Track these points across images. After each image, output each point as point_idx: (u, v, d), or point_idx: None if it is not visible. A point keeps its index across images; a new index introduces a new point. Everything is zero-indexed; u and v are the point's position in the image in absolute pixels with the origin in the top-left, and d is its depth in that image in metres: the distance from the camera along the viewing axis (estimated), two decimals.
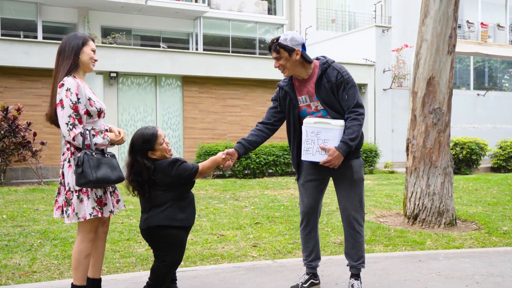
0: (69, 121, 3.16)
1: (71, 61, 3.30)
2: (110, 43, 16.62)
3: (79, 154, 3.15)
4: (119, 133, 3.42)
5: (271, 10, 21.58)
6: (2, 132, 10.87)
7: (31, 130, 11.30)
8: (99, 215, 3.24)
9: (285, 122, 3.83)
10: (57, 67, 3.34)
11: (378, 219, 7.10)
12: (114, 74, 13.19)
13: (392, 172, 14.94)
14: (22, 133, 11.10)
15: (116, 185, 3.50)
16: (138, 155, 3.28)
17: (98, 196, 3.27)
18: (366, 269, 4.20)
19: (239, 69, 14.63)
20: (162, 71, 13.79)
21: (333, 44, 18.77)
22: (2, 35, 16.75)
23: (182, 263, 4.66)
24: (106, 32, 18.13)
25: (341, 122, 3.52)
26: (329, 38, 19.40)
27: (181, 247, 3.37)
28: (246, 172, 13.26)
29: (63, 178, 3.26)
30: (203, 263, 4.74)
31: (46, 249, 5.16)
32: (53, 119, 3.32)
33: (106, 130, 3.43)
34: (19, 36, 17.26)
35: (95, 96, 3.44)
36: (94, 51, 3.44)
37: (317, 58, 3.69)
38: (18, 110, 11.22)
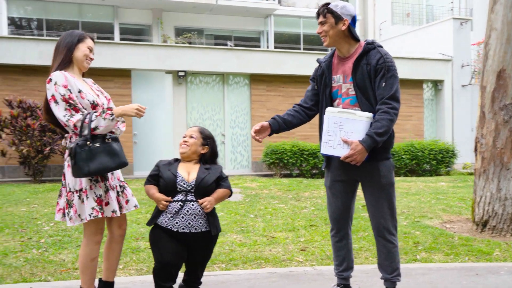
0: (65, 114, 3.06)
1: (63, 56, 3.20)
2: (177, 43, 16.88)
3: (72, 145, 3.01)
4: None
5: None
6: (37, 132, 11.23)
7: None
8: (99, 215, 3.10)
9: None
10: (52, 63, 3.25)
11: (444, 224, 6.59)
12: (183, 73, 13.34)
13: (470, 174, 14.03)
14: None
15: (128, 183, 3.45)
16: None
17: (98, 196, 3.13)
18: (411, 281, 3.85)
19: (308, 66, 14.31)
20: (229, 70, 13.78)
21: (408, 39, 17.96)
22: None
23: (216, 266, 4.55)
24: (179, 33, 18.46)
25: (368, 114, 3.15)
26: (404, 33, 18.59)
27: (156, 248, 3.27)
28: (314, 171, 12.96)
29: (64, 179, 3.17)
30: (244, 266, 4.57)
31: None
32: (45, 116, 3.23)
33: (109, 109, 3.17)
34: (98, 38, 17.99)
35: (90, 89, 3.29)
36: (90, 49, 3.30)
37: (366, 41, 3.34)
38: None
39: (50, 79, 3.09)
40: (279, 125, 3.45)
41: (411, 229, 6.19)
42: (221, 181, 3.46)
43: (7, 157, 11.54)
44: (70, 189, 3.12)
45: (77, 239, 5.47)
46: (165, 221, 3.25)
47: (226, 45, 17.29)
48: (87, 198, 3.09)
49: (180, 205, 3.24)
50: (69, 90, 3.08)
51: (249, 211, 7.57)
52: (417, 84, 15.63)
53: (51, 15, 18.40)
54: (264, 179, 12.33)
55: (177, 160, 3.48)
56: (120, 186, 3.35)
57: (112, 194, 3.20)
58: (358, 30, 20.50)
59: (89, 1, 17.74)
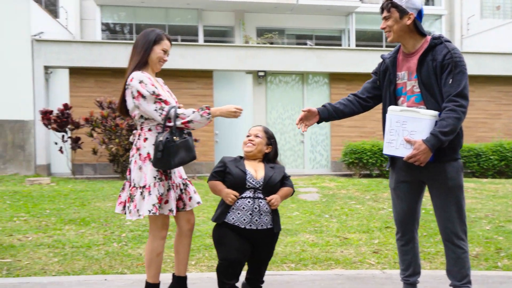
0: (156, 107, 3.18)
1: (139, 58, 3.32)
2: (258, 43, 17.07)
3: (160, 138, 3.12)
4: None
5: (429, 0, 20.26)
6: (125, 131, 11.73)
7: None
8: (157, 213, 3.19)
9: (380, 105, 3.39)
10: (129, 62, 3.38)
11: None
12: (262, 73, 13.50)
13: None
14: None
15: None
16: None
17: (160, 194, 3.22)
18: None
19: None
20: (309, 69, 13.76)
21: (499, 33, 16.98)
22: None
23: (285, 266, 4.58)
24: (261, 33, 18.67)
25: (433, 112, 3.00)
26: (494, 27, 17.59)
27: (222, 245, 3.32)
28: None
29: (129, 174, 3.31)
30: (314, 267, 4.56)
31: (172, 241, 5.40)
32: (122, 110, 3.39)
33: (207, 107, 3.29)
34: (182, 40, 18.61)
35: (164, 92, 3.41)
36: (165, 51, 3.40)
37: (432, 35, 3.20)
38: None
39: (133, 78, 3.22)
40: (328, 113, 3.41)
41: (494, 234, 5.88)
42: (285, 180, 3.53)
43: (98, 155, 12.26)
44: (134, 184, 3.24)
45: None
46: (233, 218, 3.31)
47: (306, 44, 17.25)
48: (149, 194, 3.19)
49: (248, 201, 3.31)
50: (155, 87, 3.23)
51: (325, 211, 7.53)
52: (508, 80, 14.74)
53: (140, 20, 19.28)
54: (343, 179, 12.19)
55: (241, 158, 3.56)
56: (183, 184, 3.45)
57: (172, 194, 3.29)
58: (443, 26, 19.68)
59: (175, 5, 18.39)
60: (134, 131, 3.39)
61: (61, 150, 11.98)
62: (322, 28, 19.57)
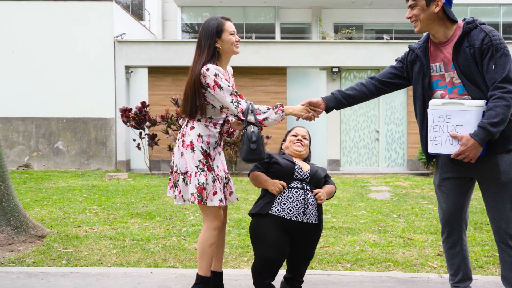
0: (232, 100, 3.14)
1: (203, 57, 3.22)
2: (335, 39, 16.76)
3: (252, 129, 3.12)
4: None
5: None
6: None
7: None
8: (195, 201, 3.16)
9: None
10: (198, 58, 3.26)
11: None
12: (336, 69, 13.24)
13: None
14: None
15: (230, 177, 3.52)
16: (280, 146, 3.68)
17: (200, 183, 3.17)
18: None
19: None
20: (385, 64, 13.28)
21: None
22: (245, 38, 18.37)
23: (340, 266, 4.42)
24: (338, 29, 18.35)
25: (478, 102, 2.73)
26: None
27: (260, 242, 3.20)
28: None
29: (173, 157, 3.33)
30: (371, 268, 4.36)
31: (229, 237, 5.41)
32: (184, 103, 3.27)
33: (281, 105, 3.26)
34: (259, 38, 18.71)
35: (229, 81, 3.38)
36: (233, 33, 3.28)
37: (464, 20, 2.92)
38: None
39: (209, 68, 3.14)
40: (336, 101, 3.23)
41: None
42: (327, 178, 3.49)
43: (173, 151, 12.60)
44: (176, 170, 3.25)
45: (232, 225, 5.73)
46: (277, 209, 3.20)
47: (382, 38, 16.72)
48: (190, 183, 3.18)
49: (296, 191, 3.22)
50: (229, 81, 3.22)
51: (393, 210, 7.23)
52: None
53: None
54: (419, 178, 11.67)
55: (284, 154, 3.50)
56: (225, 178, 3.42)
57: (218, 185, 3.25)
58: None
59: (252, 4, 18.52)
60: (189, 122, 3.32)
61: (138, 146, 12.44)
62: (402, 22, 18.87)
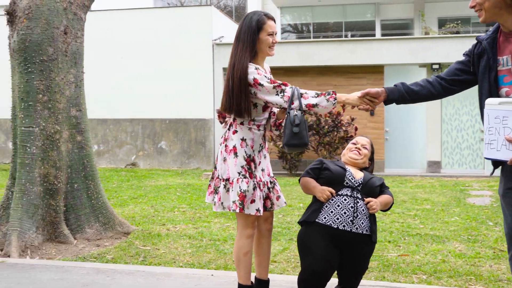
0: (277, 91, 3.04)
1: (246, 54, 3.12)
2: (439, 34, 15.88)
3: (296, 113, 3.00)
4: None
5: None
6: (326, 127, 11.79)
7: (353, 125, 11.88)
8: (237, 210, 3.08)
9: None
10: (233, 57, 3.16)
11: None
12: (437, 66, 12.57)
13: None
14: (344, 128, 11.80)
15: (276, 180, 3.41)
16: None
17: (242, 190, 3.09)
18: None
19: None
20: None
21: None
22: (335, 36, 18.07)
23: (415, 277, 4.17)
24: (443, 23, 17.40)
25: None
26: None
27: (308, 252, 3.05)
28: None
29: (216, 163, 3.26)
30: (448, 281, 4.07)
31: (277, 245, 5.32)
32: (227, 106, 3.16)
33: (334, 92, 3.09)
34: (361, 36, 18.30)
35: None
36: (271, 33, 3.18)
37: None
38: (343, 106, 11.93)
39: (249, 66, 3.07)
40: (399, 94, 2.95)
41: None
42: (383, 188, 3.27)
43: (268, 151, 12.71)
44: (218, 175, 3.21)
45: (295, 232, 5.68)
46: (325, 218, 3.04)
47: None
48: (232, 190, 3.13)
49: (345, 199, 3.05)
50: (266, 76, 3.10)
51: (490, 217, 6.72)
52: None
53: (318, 19, 19.48)
54: None
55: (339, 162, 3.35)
56: (271, 182, 3.31)
57: (258, 193, 3.15)
58: None
59: (352, 1, 18.16)
60: (227, 119, 3.30)
61: None
62: None
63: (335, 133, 11.87)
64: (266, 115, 3.29)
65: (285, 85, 3.07)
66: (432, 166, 12.69)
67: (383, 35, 18.04)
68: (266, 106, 3.20)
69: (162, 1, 22.18)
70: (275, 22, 3.26)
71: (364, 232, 3.05)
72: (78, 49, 5.50)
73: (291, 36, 19.91)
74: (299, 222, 3.23)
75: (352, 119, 11.95)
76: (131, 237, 5.35)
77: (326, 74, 13.31)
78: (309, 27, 19.69)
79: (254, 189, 3.14)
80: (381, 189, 3.24)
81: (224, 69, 13.99)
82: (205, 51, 14.03)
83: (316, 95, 3.04)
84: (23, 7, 5.15)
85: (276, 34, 3.24)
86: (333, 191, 3.07)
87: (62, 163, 5.28)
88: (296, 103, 3.00)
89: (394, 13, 18.27)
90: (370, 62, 12.87)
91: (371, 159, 3.42)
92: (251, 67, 3.09)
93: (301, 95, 3.03)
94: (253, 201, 3.13)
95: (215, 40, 14.04)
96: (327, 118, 11.80)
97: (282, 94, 3.03)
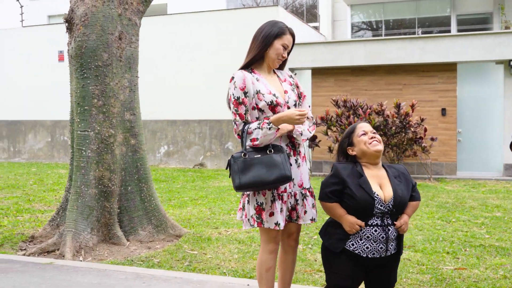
0: (233, 119, 3.01)
1: (256, 52, 3.08)
2: (507, 28, 14.88)
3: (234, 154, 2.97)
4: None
5: None
6: (394, 128, 11.37)
7: (423, 126, 11.37)
8: (255, 225, 2.95)
9: None
10: (246, 55, 3.15)
11: None
12: None
13: None
14: (412, 129, 11.33)
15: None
16: (339, 153, 3.04)
17: (259, 203, 2.96)
18: None
19: None
20: None
21: None
22: (407, 33, 17.38)
23: None
24: None
25: None
26: None
27: (333, 268, 2.86)
28: None
29: None
30: None
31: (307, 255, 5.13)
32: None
33: (267, 118, 2.99)
34: (435, 32, 17.54)
35: (275, 86, 3.10)
36: (285, 47, 3.10)
37: None
38: (412, 106, 11.48)
39: (232, 78, 3.05)
40: None
41: None
42: (412, 191, 2.95)
43: (333, 153, 12.46)
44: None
45: None
46: (352, 244, 2.80)
47: None
48: (249, 204, 3.03)
49: (375, 230, 2.77)
50: (245, 93, 3.01)
51: None
52: None
53: (390, 16, 18.88)
54: None
55: (355, 164, 2.93)
56: (302, 194, 3.11)
57: (278, 205, 2.98)
58: None
59: None
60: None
61: None
62: None
63: (403, 135, 11.43)
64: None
65: (242, 117, 2.99)
66: (509, 170, 11.90)
67: (459, 30, 17.20)
68: (273, 106, 3.03)
69: (234, 3, 22.40)
70: (294, 40, 3.17)
71: (393, 252, 2.85)
72: (132, 54, 5.60)
73: (361, 35, 19.44)
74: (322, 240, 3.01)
75: (422, 120, 11.46)
76: (182, 241, 5.38)
77: (395, 73, 12.85)
78: (380, 24, 19.14)
79: (272, 201, 2.99)
80: (411, 193, 2.95)
81: (290, 69, 13.88)
82: None
83: (255, 128, 2.95)
84: (79, 14, 5.32)
85: (288, 52, 3.16)
86: (363, 224, 2.78)
87: (116, 166, 5.40)
88: (246, 143, 2.95)
89: (471, 7, 17.35)
90: (442, 59, 12.25)
91: None
92: (232, 80, 3.05)
93: (248, 133, 2.96)
94: (271, 214, 2.98)
95: None
96: (394, 118, 11.38)
97: (234, 124, 3.02)
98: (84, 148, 5.28)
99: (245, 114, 3.00)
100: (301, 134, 3.08)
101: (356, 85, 13.30)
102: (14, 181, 10.80)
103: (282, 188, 3.02)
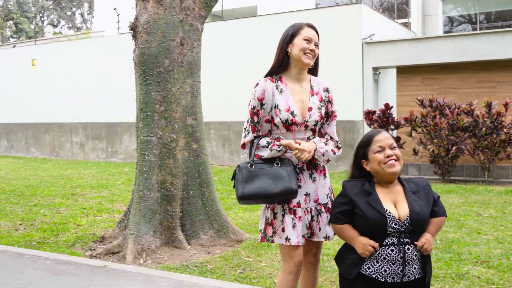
0: (245, 127, 2.91)
1: (276, 59, 2.94)
2: None
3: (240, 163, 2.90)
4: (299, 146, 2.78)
5: None
6: (484, 129, 10.60)
7: None
8: (259, 238, 2.86)
9: None
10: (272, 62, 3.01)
11: None
12: None
13: None
14: (505, 130, 10.50)
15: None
16: (354, 163, 2.77)
17: (266, 218, 2.84)
18: None
19: None
20: None
21: None
22: (492, 27, 16.13)
23: None
24: None
25: None
26: None
27: None
28: None
29: None
30: None
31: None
32: None
33: (277, 139, 2.85)
34: None
35: (292, 102, 2.89)
36: (308, 39, 2.88)
37: None
38: (506, 105, 10.64)
39: (257, 84, 2.94)
40: None
41: None
42: (434, 205, 2.63)
43: (419, 155, 11.86)
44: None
45: None
46: (369, 268, 2.58)
47: None
48: (261, 217, 2.94)
49: (392, 250, 2.53)
50: (262, 104, 2.89)
51: None
52: None
53: (485, 8, 17.72)
54: None
55: (367, 180, 2.70)
56: (317, 210, 2.93)
57: (289, 219, 2.82)
58: None
59: None
60: None
61: None
62: None
63: (495, 136, 10.61)
64: (301, 135, 2.93)
65: (253, 130, 2.87)
66: None
67: None
68: (289, 125, 2.89)
69: (323, 1, 22.13)
70: (317, 33, 2.96)
71: (416, 276, 2.57)
72: (194, 59, 5.64)
73: (453, 30, 18.39)
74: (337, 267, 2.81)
75: None
76: (240, 246, 5.33)
77: (487, 69, 11.98)
78: (475, 18, 18.00)
79: (284, 215, 2.84)
80: (433, 208, 2.64)
81: (374, 68, 13.43)
82: (354, 50, 13.60)
83: (262, 146, 2.87)
84: (142, 22, 5.45)
85: (315, 44, 2.94)
86: (376, 245, 2.54)
87: (178, 170, 5.46)
88: (248, 150, 2.89)
89: None
90: None
91: None
92: (254, 89, 2.93)
93: (257, 146, 2.87)
94: (283, 229, 2.84)
95: (364, 39, 13.54)
96: (485, 119, 10.61)
97: (245, 133, 2.91)
98: (146, 153, 5.40)
99: (256, 126, 2.90)
100: (323, 155, 2.90)
101: (444, 84, 12.57)
102: (105, 181, 11.38)
103: (294, 202, 2.87)
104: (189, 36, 5.57)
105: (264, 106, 2.89)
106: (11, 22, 37.32)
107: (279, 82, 2.95)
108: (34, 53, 19.37)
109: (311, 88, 3.01)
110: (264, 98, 2.89)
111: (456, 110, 10.91)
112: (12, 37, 36.16)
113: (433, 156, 11.27)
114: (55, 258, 4.79)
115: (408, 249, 2.54)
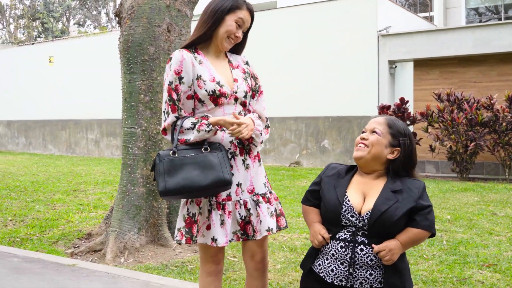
0: (164, 109, 2.46)
1: (204, 30, 2.50)
2: None
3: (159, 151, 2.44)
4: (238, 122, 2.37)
5: None
6: (505, 124, 10.05)
7: None
8: (183, 240, 2.40)
9: None
10: (192, 33, 2.58)
11: None
12: None
13: None
14: None
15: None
16: None
17: (190, 214, 2.42)
18: None
19: None
20: None
21: None
22: None
23: None
24: None
25: None
26: None
27: None
28: None
29: None
30: None
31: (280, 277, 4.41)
32: None
33: (205, 117, 2.42)
34: None
35: (216, 73, 2.49)
36: (239, 23, 2.50)
37: None
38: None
39: (170, 58, 2.50)
40: None
41: None
42: (417, 214, 2.15)
43: (436, 151, 11.35)
44: None
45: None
46: (319, 265, 2.24)
47: None
48: (179, 214, 2.51)
49: (341, 247, 2.16)
50: (181, 78, 2.45)
51: None
52: None
53: None
54: None
55: (353, 168, 2.34)
56: (254, 202, 2.50)
57: (216, 216, 2.42)
58: None
59: None
60: None
61: None
62: None
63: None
64: (231, 109, 2.51)
65: (174, 110, 2.41)
66: None
67: None
68: (216, 97, 2.47)
69: None
70: (252, 18, 2.56)
71: (374, 285, 2.13)
72: None
73: (477, 21, 17.73)
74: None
75: None
76: (228, 245, 5.00)
77: (510, 61, 11.40)
78: (499, 8, 17.31)
79: (210, 211, 2.44)
80: (413, 217, 2.15)
81: (390, 62, 12.94)
82: (369, 44, 13.13)
83: (188, 127, 2.42)
84: (127, 7, 5.15)
85: (244, 31, 2.57)
86: (327, 236, 2.19)
87: None
88: (170, 136, 2.44)
89: None
90: None
91: (399, 144, 2.23)
92: (169, 63, 2.49)
93: (180, 129, 2.41)
94: (208, 227, 2.44)
95: (380, 31, 13.06)
96: (506, 113, 10.05)
97: (165, 117, 2.44)
98: (130, 146, 5.11)
99: (176, 104, 2.46)
100: (260, 134, 2.51)
101: (463, 77, 12.04)
102: (113, 177, 11.19)
103: (223, 195, 2.46)
104: (176, 22, 5.25)
105: (183, 80, 2.46)
106: (38, 22, 37.64)
107: (195, 54, 2.55)
108: (51, 50, 19.39)
109: (230, 62, 2.63)
110: (182, 70, 2.46)
111: (475, 104, 10.38)
112: (39, 37, 36.46)
113: (450, 152, 10.76)
114: (25, 255, 4.54)
115: (362, 250, 2.14)
